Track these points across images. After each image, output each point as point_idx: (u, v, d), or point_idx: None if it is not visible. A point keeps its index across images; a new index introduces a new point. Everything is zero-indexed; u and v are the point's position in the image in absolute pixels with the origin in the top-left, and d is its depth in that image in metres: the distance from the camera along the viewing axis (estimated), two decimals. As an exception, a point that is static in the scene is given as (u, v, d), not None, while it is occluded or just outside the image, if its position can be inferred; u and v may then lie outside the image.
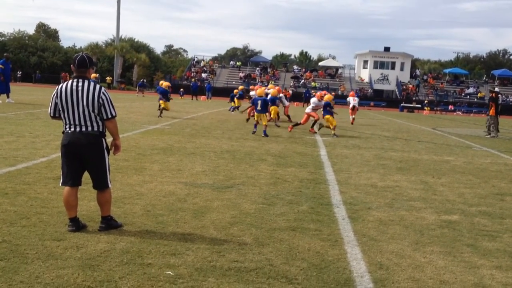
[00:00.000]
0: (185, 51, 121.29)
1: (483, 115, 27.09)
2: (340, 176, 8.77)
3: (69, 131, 4.83)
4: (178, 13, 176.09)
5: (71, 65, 4.91)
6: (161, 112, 19.57)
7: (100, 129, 4.89)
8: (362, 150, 12.85)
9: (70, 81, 4.85)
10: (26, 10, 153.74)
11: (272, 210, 6.13)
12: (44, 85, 58.14)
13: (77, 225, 4.86)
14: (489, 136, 19.72)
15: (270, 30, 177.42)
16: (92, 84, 4.83)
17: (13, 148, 9.41)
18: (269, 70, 67.48)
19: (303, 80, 63.03)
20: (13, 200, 5.79)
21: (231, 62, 72.67)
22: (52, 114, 4.96)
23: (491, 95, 20.90)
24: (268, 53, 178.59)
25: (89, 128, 4.82)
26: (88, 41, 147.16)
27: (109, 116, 4.89)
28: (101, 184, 4.97)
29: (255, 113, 15.97)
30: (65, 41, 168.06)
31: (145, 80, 52.42)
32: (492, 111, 20.29)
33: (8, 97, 22.59)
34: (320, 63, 76.04)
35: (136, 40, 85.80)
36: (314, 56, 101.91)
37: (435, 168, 10.32)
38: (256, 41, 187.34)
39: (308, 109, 17.41)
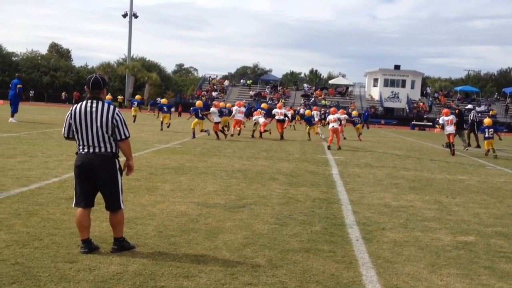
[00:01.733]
0: (195, 69, 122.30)
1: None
2: (353, 195, 8.70)
3: (83, 152, 4.83)
4: (188, 32, 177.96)
5: (85, 86, 4.92)
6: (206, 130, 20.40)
7: (114, 150, 4.89)
8: (374, 169, 12.77)
9: (84, 102, 4.86)
10: (39, 30, 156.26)
11: (285, 230, 6.07)
12: (57, 104, 58.68)
13: (89, 246, 4.84)
14: (465, 149, 20.92)
15: (280, 49, 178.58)
16: (106, 105, 4.84)
17: (25, 168, 9.45)
18: (279, 88, 67.70)
19: (313, 98, 63.11)
20: (25, 221, 5.79)
21: (242, 81, 72.99)
22: (66, 135, 4.96)
23: (454, 111, 22.16)
24: (278, 72, 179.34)
25: (103, 149, 4.82)
26: (100, 61, 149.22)
27: (123, 137, 4.89)
28: (113, 205, 4.95)
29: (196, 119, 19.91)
30: (77, 61, 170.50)
31: (158, 99, 52.53)
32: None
33: (12, 116, 22.73)
34: (330, 81, 76.20)
35: (147, 59, 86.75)
36: (324, 74, 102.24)
37: (448, 188, 10.21)
38: (266, 59, 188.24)
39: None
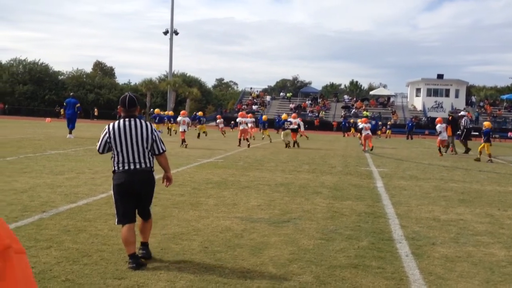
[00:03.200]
0: (235, 83, 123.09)
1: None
2: (400, 209, 8.50)
3: (123, 169, 4.95)
4: (228, 46, 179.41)
5: (120, 106, 5.06)
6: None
7: (152, 165, 5.12)
8: (420, 181, 12.47)
9: (122, 120, 5.03)
10: (84, 49, 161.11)
11: (331, 246, 5.97)
12: (102, 121, 60.10)
13: (137, 261, 4.89)
14: (447, 153, 22.80)
15: (319, 61, 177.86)
16: (143, 122, 5.10)
17: (73, 184, 9.67)
18: (319, 100, 67.45)
19: (354, 110, 62.54)
20: (74, 237, 5.90)
21: (281, 94, 73.07)
22: (101, 151, 5.21)
23: (448, 118, 24.56)
24: (317, 84, 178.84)
25: (143, 165, 5.02)
26: (142, 77, 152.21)
27: (161, 151, 5.17)
28: (147, 214, 5.21)
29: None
30: (121, 78, 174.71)
31: (198, 113, 53.40)
32: (449, 132, 23.29)
33: (70, 133, 24.46)
34: (371, 92, 75.38)
35: (187, 74, 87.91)
36: (364, 85, 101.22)
37: (500, 200, 9.85)
38: (306, 71, 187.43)
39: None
